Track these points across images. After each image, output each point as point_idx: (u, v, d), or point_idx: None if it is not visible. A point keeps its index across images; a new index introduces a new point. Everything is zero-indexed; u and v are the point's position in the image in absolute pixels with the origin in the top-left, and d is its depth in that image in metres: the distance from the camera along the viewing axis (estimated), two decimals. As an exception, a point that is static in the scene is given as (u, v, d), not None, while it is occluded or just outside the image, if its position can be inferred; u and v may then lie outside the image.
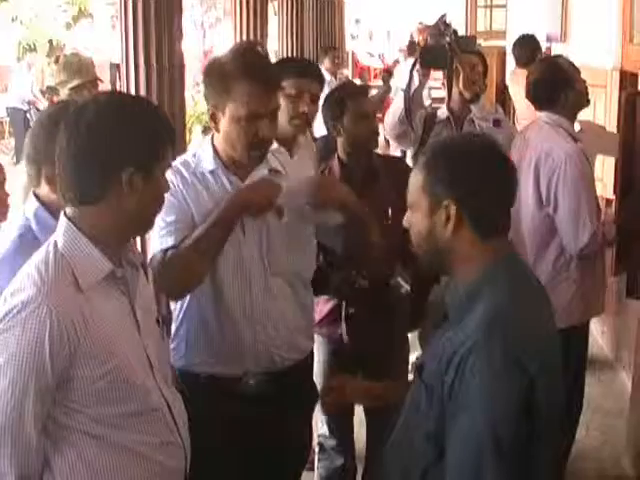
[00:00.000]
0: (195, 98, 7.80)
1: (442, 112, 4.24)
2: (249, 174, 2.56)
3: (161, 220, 2.43)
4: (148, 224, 2.05)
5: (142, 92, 4.25)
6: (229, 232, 2.47)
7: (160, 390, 2.03)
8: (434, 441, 1.87)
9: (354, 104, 3.23)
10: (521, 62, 6.38)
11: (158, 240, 2.49)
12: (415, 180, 1.92)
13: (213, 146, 2.56)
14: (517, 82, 6.71)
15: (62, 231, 1.90)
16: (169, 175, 2.46)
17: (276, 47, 7.88)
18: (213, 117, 2.50)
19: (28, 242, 2.13)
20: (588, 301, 3.65)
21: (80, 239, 1.89)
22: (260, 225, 2.54)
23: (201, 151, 2.59)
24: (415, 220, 1.93)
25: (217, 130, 2.52)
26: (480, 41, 9.96)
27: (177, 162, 2.58)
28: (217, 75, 2.46)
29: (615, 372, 5.23)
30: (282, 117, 3.00)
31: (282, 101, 2.97)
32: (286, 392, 2.59)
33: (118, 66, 4.26)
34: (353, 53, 17.93)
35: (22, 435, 1.84)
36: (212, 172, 2.55)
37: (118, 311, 1.95)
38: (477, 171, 1.88)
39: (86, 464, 1.92)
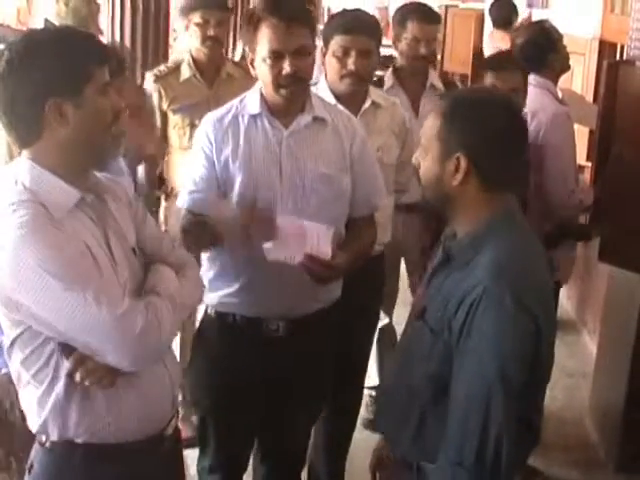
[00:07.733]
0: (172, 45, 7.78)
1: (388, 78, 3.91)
2: (293, 120, 2.59)
3: (190, 176, 2.60)
4: (105, 145, 1.94)
5: (127, 35, 4.23)
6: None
7: None
8: (436, 383, 1.93)
9: None
10: (499, 24, 6.39)
11: (183, 190, 2.62)
12: (432, 125, 1.96)
13: (260, 91, 2.60)
14: (494, 44, 6.74)
15: (26, 171, 1.88)
16: (205, 126, 2.58)
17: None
18: (252, 62, 2.56)
19: None
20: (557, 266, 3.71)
21: (44, 174, 1.88)
22: (296, 176, 2.57)
23: (249, 95, 2.63)
24: (425, 163, 1.98)
25: (257, 76, 2.58)
26: (458, 3, 9.92)
27: (222, 108, 2.64)
28: (248, 18, 2.55)
29: (579, 335, 5.33)
30: (333, 76, 3.05)
31: (331, 58, 3.03)
32: (306, 336, 2.64)
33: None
34: (329, 9, 17.78)
35: None
36: (255, 116, 2.58)
37: (92, 239, 1.93)
38: (492, 129, 1.90)
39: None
